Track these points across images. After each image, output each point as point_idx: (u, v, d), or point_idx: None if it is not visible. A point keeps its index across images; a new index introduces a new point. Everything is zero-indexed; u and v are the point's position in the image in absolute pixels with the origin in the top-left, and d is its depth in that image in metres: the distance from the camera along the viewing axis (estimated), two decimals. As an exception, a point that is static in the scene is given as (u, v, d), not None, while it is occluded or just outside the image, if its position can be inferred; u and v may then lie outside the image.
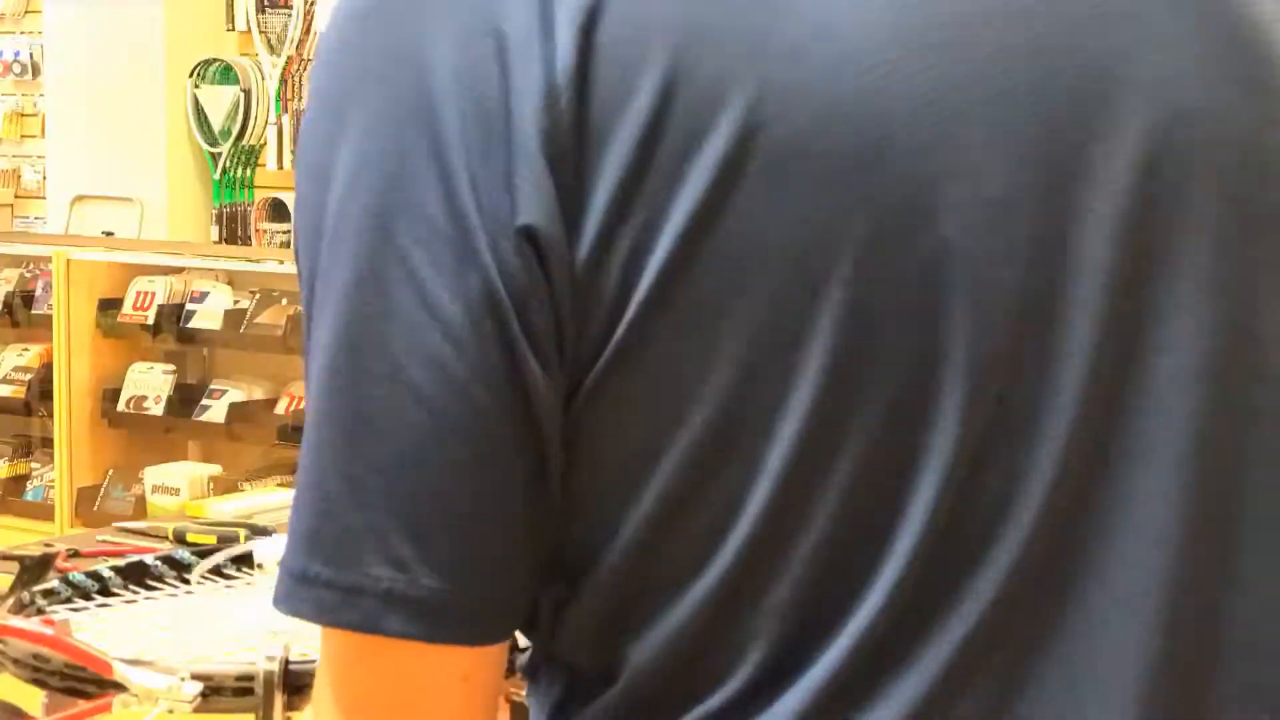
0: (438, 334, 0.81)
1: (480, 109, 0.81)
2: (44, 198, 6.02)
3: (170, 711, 1.28)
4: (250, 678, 1.29)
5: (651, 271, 0.80)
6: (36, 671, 1.37)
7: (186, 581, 1.65)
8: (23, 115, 6.21)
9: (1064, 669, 0.84)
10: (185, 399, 4.98)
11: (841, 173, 0.80)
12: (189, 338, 4.99)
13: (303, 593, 0.85)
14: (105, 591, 1.61)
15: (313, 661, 1.32)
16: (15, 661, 1.38)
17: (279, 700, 1.27)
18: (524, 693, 1.12)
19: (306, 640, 1.41)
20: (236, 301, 4.97)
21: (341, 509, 0.84)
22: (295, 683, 1.29)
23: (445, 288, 0.81)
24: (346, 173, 0.84)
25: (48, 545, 2.63)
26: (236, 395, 4.96)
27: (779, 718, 0.83)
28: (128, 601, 1.60)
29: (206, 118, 5.72)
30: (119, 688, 1.28)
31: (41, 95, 6.05)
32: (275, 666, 1.27)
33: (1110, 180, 0.84)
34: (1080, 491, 0.84)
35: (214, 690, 1.28)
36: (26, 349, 5.23)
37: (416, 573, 0.83)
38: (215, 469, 4.83)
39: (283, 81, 5.72)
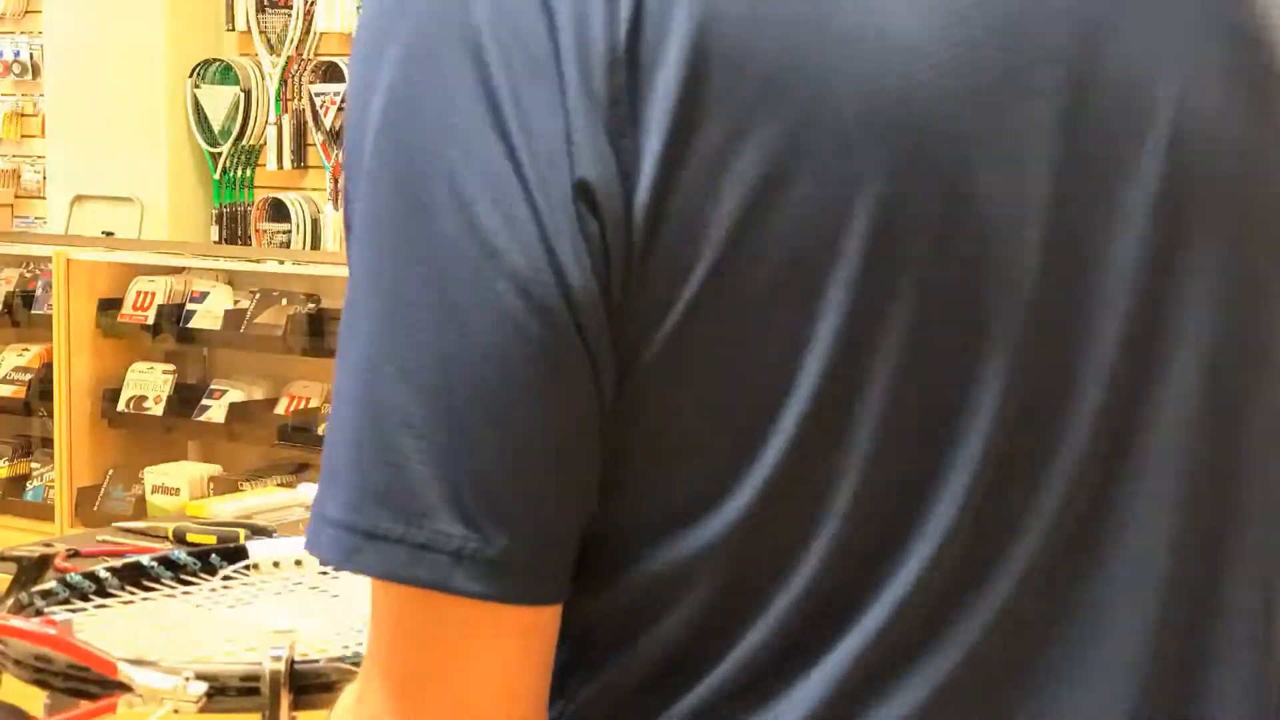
0: (501, 278, 0.80)
1: (523, 44, 0.80)
2: (44, 198, 6.02)
3: (176, 712, 1.28)
4: (255, 678, 1.28)
5: (712, 244, 0.80)
6: (39, 673, 1.36)
7: (184, 582, 1.65)
8: (23, 115, 6.20)
9: (1072, 660, 0.86)
10: (185, 399, 4.98)
11: (881, 158, 0.81)
12: (189, 338, 4.99)
13: (371, 549, 0.82)
14: (102, 593, 1.61)
15: (316, 661, 1.32)
16: (17, 663, 1.38)
17: (285, 700, 1.27)
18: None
19: (310, 640, 1.41)
20: (236, 301, 4.97)
21: (410, 462, 0.81)
22: (300, 682, 1.29)
23: (502, 228, 0.80)
24: (387, 93, 0.82)
25: (47, 545, 2.63)
26: (236, 395, 4.96)
27: (795, 704, 0.83)
28: (125, 602, 1.60)
29: (206, 118, 5.72)
30: (123, 688, 1.27)
31: (41, 95, 6.05)
32: (281, 666, 1.26)
33: (1141, 179, 0.85)
34: (1093, 498, 0.86)
35: (219, 690, 1.28)
36: (26, 349, 5.23)
37: (488, 531, 0.81)
38: (215, 469, 4.84)
39: (283, 81, 5.72)
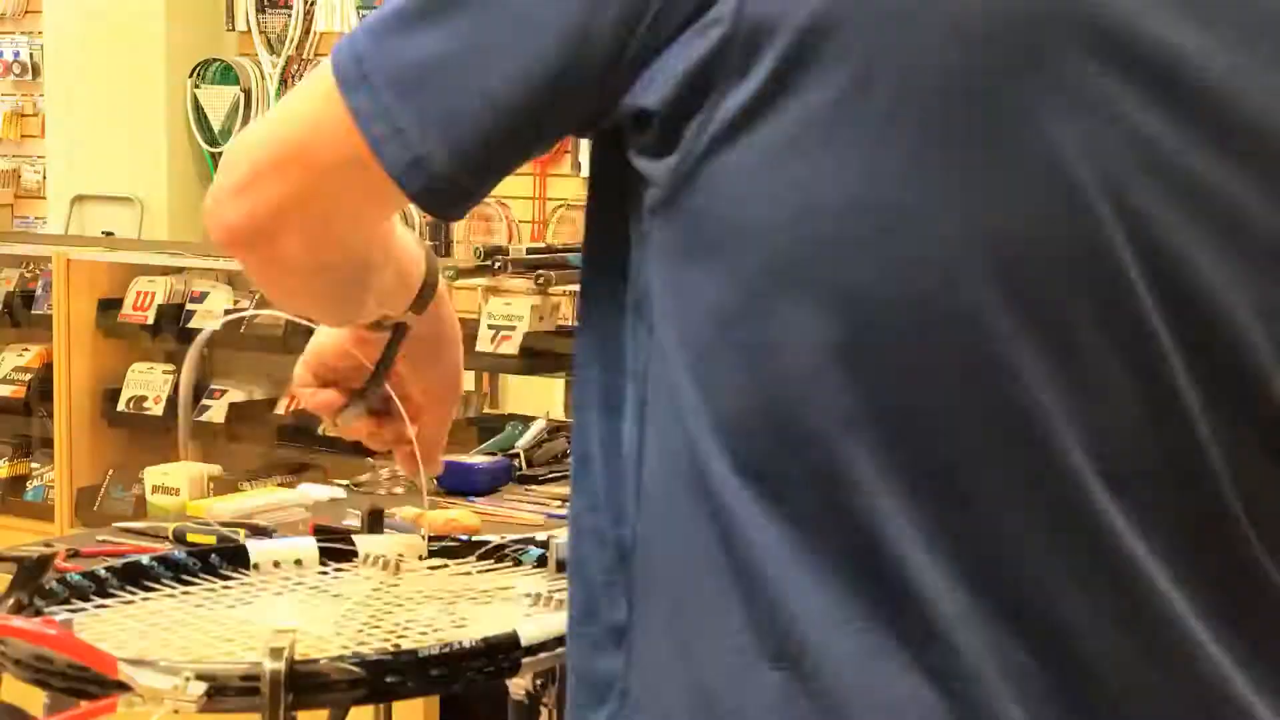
0: None
1: None
2: (44, 198, 6.02)
3: (176, 712, 1.27)
4: (255, 677, 1.28)
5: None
6: (39, 673, 1.36)
7: (184, 582, 1.65)
8: (23, 115, 6.20)
9: None
10: (185, 399, 4.98)
11: None
12: (189, 338, 4.99)
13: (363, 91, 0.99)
14: (102, 592, 1.60)
15: (316, 661, 1.32)
16: (17, 662, 1.38)
17: (284, 700, 1.27)
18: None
19: (310, 640, 1.41)
20: (236, 301, 4.97)
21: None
22: (300, 683, 1.28)
23: None
24: None
25: (48, 545, 2.62)
26: (236, 395, 4.96)
27: None
28: (125, 602, 1.60)
29: (206, 118, 5.72)
30: (123, 688, 1.27)
31: (41, 95, 6.05)
32: (280, 665, 1.26)
33: None
34: None
35: (219, 690, 1.28)
36: (26, 349, 5.23)
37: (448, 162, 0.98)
38: (215, 469, 4.83)
39: (283, 81, 5.72)
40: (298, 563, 1.66)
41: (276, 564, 1.66)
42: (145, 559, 1.66)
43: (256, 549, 1.69)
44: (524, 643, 1.32)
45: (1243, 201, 0.90)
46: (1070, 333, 0.88)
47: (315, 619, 1.50)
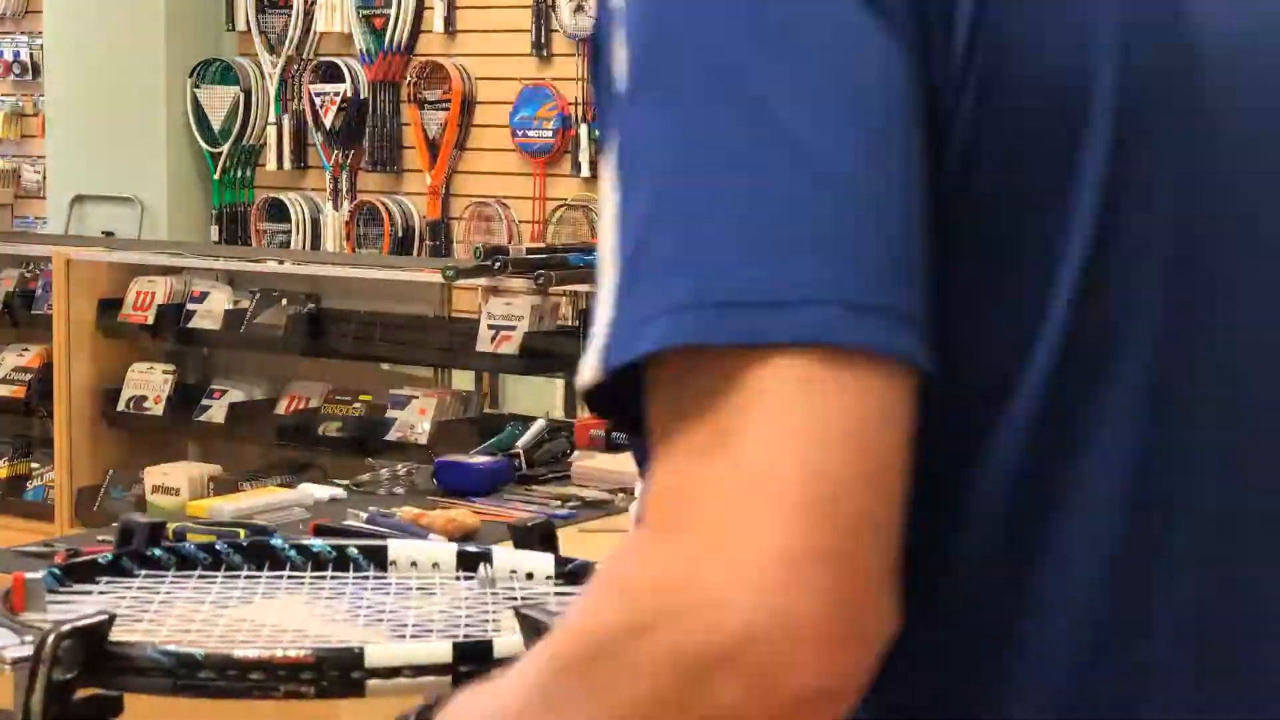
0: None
1: None
2: (44, 198, 6.02)
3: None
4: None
5: None
6: None
7: (310, 569, 1.58)
8: (23, 115, 6.21)
9: None
10: (185, 399, 4.98)
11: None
12: (189, 338, 4.99)
13: (876, 323, 0.76)
14: (216, 566, 1.54)
15: (131, 644, 1.26)
16: None
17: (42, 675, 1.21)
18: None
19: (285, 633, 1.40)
20: (236, 301, 4.97)
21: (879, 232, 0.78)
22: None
23: None
24: None
25: (47, 545, 2.62)
26: (236, 395, 4.96)
27: None
28: (203, 577, 1.53)
29: (206, 118, 5.72)
30: None
31: (41, 95, 6.05)
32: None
33: None
34: None
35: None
36: (26, 349, 5.23)
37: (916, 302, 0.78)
38: (215, 469, 4.83)
39: (283, 81, 5.72)
40: (435, 566, 1.60)
41: (414, 564, 1.60)
42: (278, 540, 1.61)
43: (399, 547, 1.63)
44: (367, 663, 1.24)
45: None
46: None
47: (307, 615, 1.48)
